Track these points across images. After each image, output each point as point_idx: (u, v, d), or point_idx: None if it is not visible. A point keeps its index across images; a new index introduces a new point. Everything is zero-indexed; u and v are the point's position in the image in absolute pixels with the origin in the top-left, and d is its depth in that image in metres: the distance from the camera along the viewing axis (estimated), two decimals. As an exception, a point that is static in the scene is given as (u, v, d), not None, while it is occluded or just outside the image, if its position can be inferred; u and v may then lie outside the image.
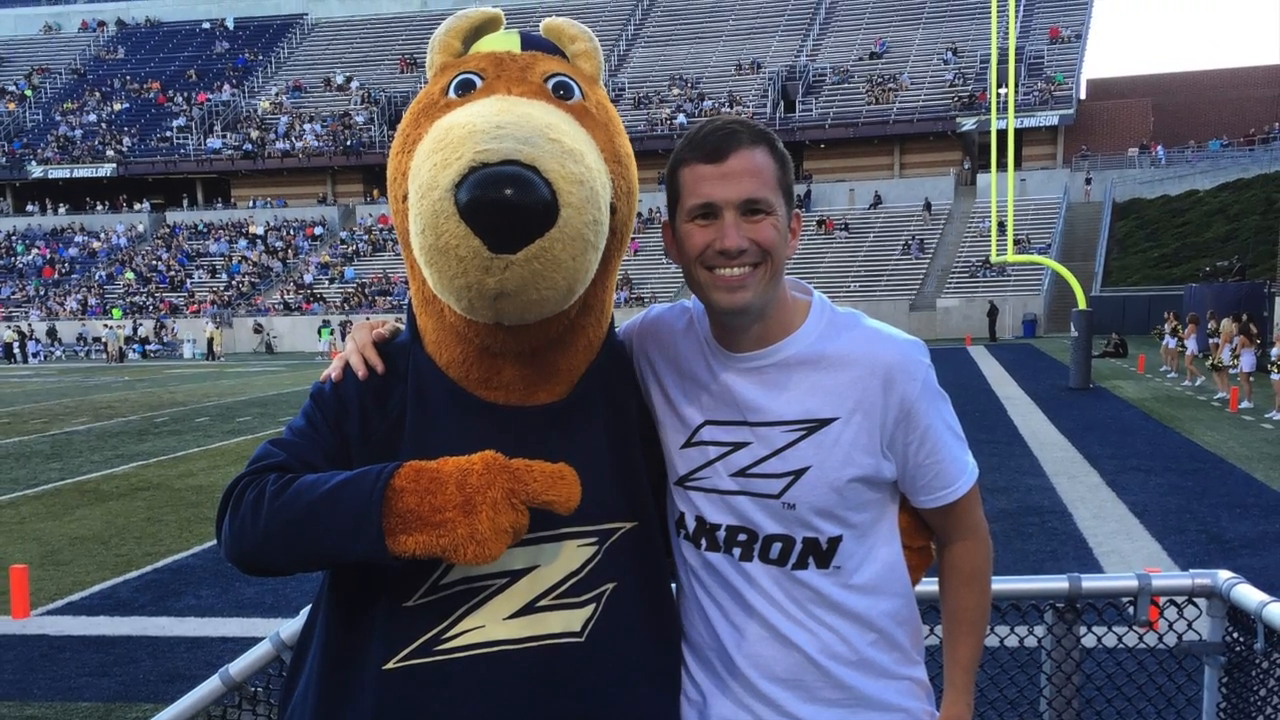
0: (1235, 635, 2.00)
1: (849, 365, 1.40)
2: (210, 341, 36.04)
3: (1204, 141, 44.63)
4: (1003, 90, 23.67)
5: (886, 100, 44.67)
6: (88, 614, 6.14)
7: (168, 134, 51.81)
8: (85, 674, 5.13)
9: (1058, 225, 38.38)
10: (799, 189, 36.61)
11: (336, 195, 50.97)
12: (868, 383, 1.39)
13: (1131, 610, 2.02)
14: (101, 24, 61.73)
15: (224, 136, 51.08)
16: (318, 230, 47.24)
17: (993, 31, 22.76)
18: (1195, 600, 2.05)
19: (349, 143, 48.92)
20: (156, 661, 5.27)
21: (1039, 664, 2.13)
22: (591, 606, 1.39)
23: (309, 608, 1.54)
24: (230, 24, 59.68)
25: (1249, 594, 1.91)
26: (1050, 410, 14.48)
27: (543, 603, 1.37)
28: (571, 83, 1.40)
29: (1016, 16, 24.32)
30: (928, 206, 40.82)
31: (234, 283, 43.90)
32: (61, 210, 51.76)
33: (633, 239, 2.77)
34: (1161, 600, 2.07)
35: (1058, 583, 2.02)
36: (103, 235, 49.39)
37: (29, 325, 39.86)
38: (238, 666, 1.94)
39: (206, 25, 60.24)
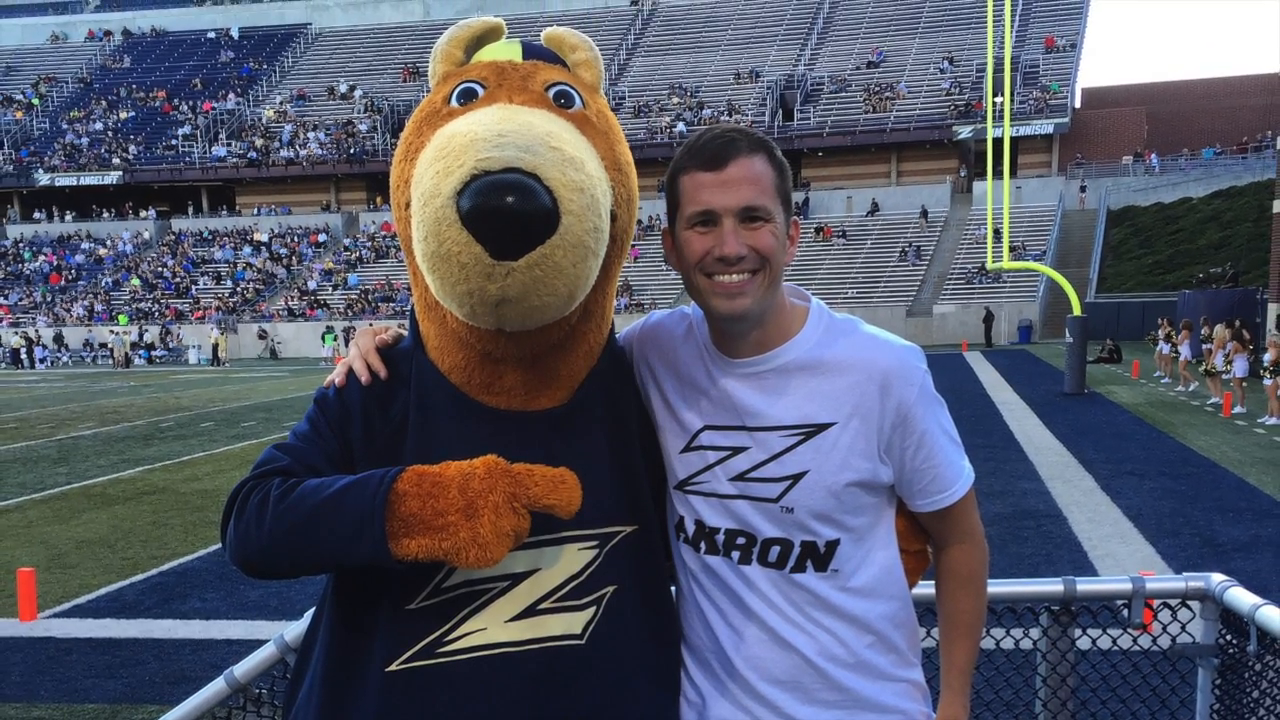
0: (1228, 638, 2.01)
1: (846, 370, 1.42)
2: (215, 347, 36.12)
3: (1197, 150, 44.92)
4: (998, 99, 23.74)
5: (884, 109, 44.80)
6: (94, 616, 6.16)
7: (173, 142, 52.03)
8: (91, 676, 5.15)
9: (1053, 232, 38.53)
10: (797, 196, 36.73)
11: (340, 203, 51.12)
12: (865, 388, 1.40)
13: (1126, 613, 2.03)
14: (108, 33, 62.05)
15: (229, 145, 51.28)
16: (321, 237, 47.37)
17: (989, 41, 22.86)
18: (1189, 603, 2.06)
19: (352, 151, 49.08)
20: (162, 663, 5.29)
21: (1034, 666, 2.14)
22: (592, 609, 1.40)
23: (313, 610, 1.55)
24: (235, 33, 59.95)
25: (1242, 597, 1.93)
26: (1045, 415, 14.51)
27: (544, 606, 1.38)
28: (572, 91, 1.41)
29: (1012, 26, 24.47)
30: (924, 214, 40.91)
31: (239, 289, 44.01)
32: (68, 217, 51.98)
33: (633, 246, 2.80)
34: (1155, 603, 2.08)
35: (1053, 586, 2.03)
36: (109, 242, 49.57)
37: (36, 331, 39.97)
38: (242, 668, 1.96)
39: (212, 35, 60.53)
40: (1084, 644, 2.11)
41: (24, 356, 36.74)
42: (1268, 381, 13.88)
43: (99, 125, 54.20)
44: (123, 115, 54.86)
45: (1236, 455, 10.93)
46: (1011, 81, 22.18)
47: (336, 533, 1.27)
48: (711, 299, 1.39)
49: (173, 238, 49.80)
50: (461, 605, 1.36)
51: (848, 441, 1.40)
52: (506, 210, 1.18)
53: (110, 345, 37.15)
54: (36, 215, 52.60)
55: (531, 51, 1.47)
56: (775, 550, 1.42)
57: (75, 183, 51.61)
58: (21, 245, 50.26)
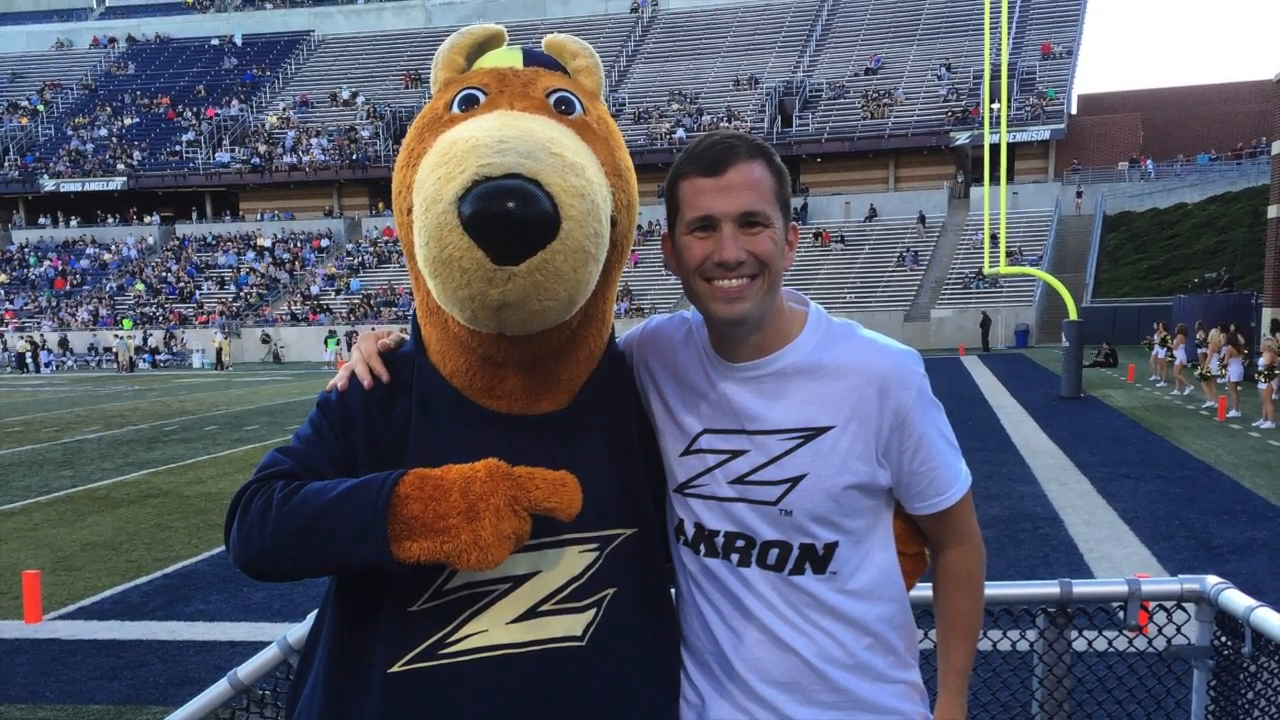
0: (1223, 639, 2.02)
1: (845, 374, 1.43)
2: (219, 351, 36.15)
3: (1192, 156, 45.01)
4: (995, 105, 23.82)
5: (882, 115, 44.83)
6: (99, 619, 6.19)
7: (177, 148, 52.15)
8: (96, 677, 5.17)
9: (1049, 237, 38.55)
10: (796, 202, 36.62)
11: (342, 208, 51.19)
12: (863, 391, 1.41)
13: (1122, 615, 2.04)
14: (112, 40, 62.24)
15: (232, 150, 51.39)
16: (324, 242, 47.42)
17: (986, 48, 22.89)
18: (1184, 605, 2.07)
19: (354, 157, 49.17)
20: (166, 665, 5.31)
21: (1031, 667, 2.15)
22: (593, 611, 1.41)
23: (315, 612, 1.57)
24: (238, 40, 60.13)
25: (1237, 599, 1.94)
26: (1042, 419, 14.54)
27: (545, 607, 1.39)
28: (573, 98, 1.42)
29: (1009, 33, 24.52)
30: (922, 219, 40.93)
31: (242, 294, 44.06)
32: (73, 223, 52.07)
33: (633, 251, 2.79)
34: (1151, 605, 2.09)
35: (1049, 588, 2.04)
36: (113, 247, 49.64)
37: (41, 336, 40.04)
38: (246, 670, 1.97)
39: (215, 42, 60.72)
40: (1080, 645, 2.12)
41: (29, 361, 36.78)
42: (1262, 385, 13.92)
43: (103, 131, 54.35)
44: (127, 121, 55.00)
45: (1231, 459, 10.94)
46: (1008, 88, 22.23)
47: (339, 535, 1.28)
48: (711, 303, 1.40)
49: (177, 243, 49.86)
50: (463, 607, 1.37)
51: (846, 445, 1.41)
52: (507, 215, 1.19)
53: (115, 349, 37.18)
54: (42, 221, 52.70)
55: (532, 58, 1.48)
56: (774, 553, 1.43)
57: (80, 188, 51.73)
58: (27, 250, 50.35)
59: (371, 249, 45.76)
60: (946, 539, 1.51)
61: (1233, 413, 14.47)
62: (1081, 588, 2.04)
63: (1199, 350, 17.93)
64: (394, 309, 39.54)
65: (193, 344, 39.00)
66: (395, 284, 41.42)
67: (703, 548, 1.48)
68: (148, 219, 51.87)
